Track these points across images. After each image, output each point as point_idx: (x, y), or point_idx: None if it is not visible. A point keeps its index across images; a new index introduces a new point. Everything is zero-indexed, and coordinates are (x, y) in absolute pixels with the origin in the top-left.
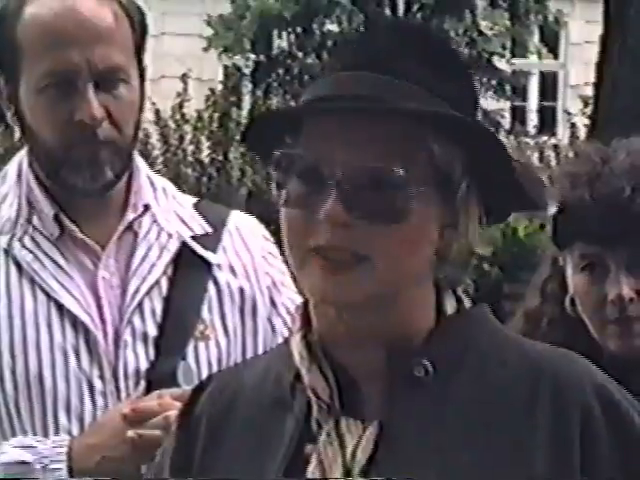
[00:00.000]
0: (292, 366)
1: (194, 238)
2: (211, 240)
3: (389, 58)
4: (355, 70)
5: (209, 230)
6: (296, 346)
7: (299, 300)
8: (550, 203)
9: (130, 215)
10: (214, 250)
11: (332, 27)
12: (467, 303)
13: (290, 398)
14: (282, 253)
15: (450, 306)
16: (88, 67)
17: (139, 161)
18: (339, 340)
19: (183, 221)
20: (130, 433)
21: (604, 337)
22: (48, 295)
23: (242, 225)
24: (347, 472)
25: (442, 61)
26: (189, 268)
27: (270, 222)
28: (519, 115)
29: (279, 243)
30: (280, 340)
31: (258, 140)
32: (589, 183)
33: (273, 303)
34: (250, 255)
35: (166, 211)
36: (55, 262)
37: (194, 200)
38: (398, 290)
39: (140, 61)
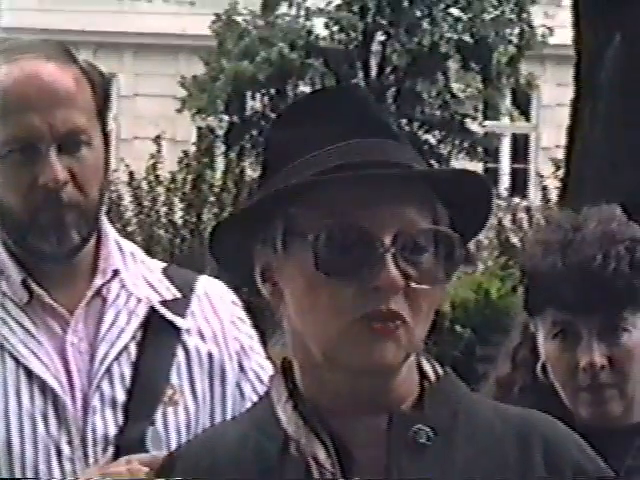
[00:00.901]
0: (275, 435)
1: (163, 303)
2: (180, 305)
3: (381, 123)
4: (359, 137)
5: (178, 295)
6: (288, 417)
7: (267, 365)
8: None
9: (99, 280)
10: (183, 315)
11: (305, 89)
12: (438, 367)
13: (279, 468)
14: (251, 316)
15: (429, 370)
16: (50, 131)
17: (107, 226)
18: (336, 408)
19: (152, 286)
20: None
21: (576, 404)
22: (17, 361)
23: (210, 290)
24: None
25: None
26: (158, 333)
27: (240, 285)
28: (491, 177)
29: (248, 308)
30: (249, 405)
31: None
32: (561, 250)
33: (242, 368)
34: (219, 320)
35: (134, 276)
36: (24, 328)
37: (162, 265)
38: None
39: (104, 124)
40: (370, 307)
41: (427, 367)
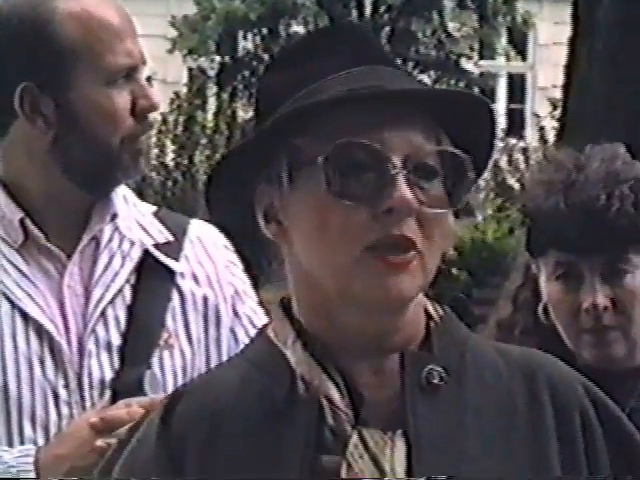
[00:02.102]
0: (282, 378)
1: (156, 246)
2: (173, 248)
3: (381, 53)
4: (363, 65)
5: (170, 238)
6: (298, 357)
7: (260, 310)
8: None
9: (97, 224)
10: (176, 258)
11: (298, 28)
12: (439, 308)
13: (287, 410)
14: (243, 261)
15: (433, 310)
16: (141, 57)
17: None
18: (346, 348)
19: (144, 229)
20: (99, 442)
21: (579, 346)
22: (12, 303)
23: (203, 234)
24: None
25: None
26: (152, 276)
27: (237, 234)
28: None
29: (239, 252)
30: None
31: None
32: (564, 191)
33: (235, 313)
34: (213, 264)
35: (127, 219)
36: (19, 270)
37: (153, 208)
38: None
39: None
40: (383, 232)
41: (430, 307)
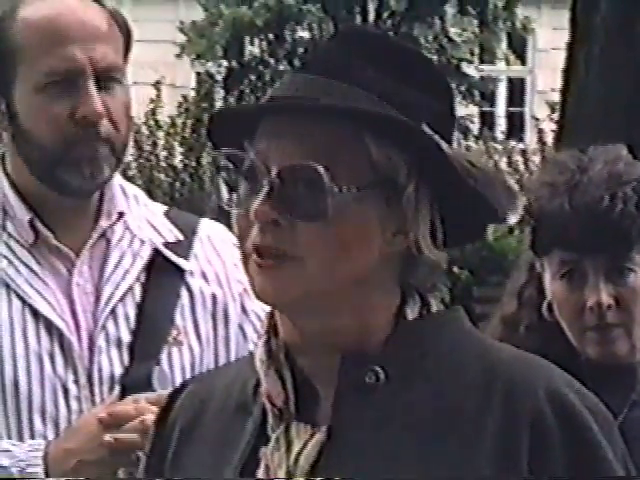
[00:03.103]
0: (256, 371)
1: (166, 245)
2: (183, 247)
3: (339, 63)
4: (304, 74)
5: (180, 237)
6: (258, 351)
7: (269, 307)
8: (518, 212)
9: (104, 222)
10: (186, 257)
11: (303, 34)
12: (434, 308)
13: (252, 403)
14: None
15: (411, 311)
16: (90, 64)
17: None
18: (298, 345)
19: (155, 228)
20: (107, 437)
21: (583, 344)
22: (23, 301)
23: (213, 233)
24: (290, 477)
25: (401, 67)
26: (162, 274)
27: None
28: (487, 120)
29: None
30: (251, 347)
31: (221, 140)
32: (568, 192)
33: (244, 310)
34: (222, 262)
35: (138, 218)
36: (30, 268)
37: (164, 208)
38: (335, 291)
39: (126, 65)
40: (253, 239)
41: (410, 307)
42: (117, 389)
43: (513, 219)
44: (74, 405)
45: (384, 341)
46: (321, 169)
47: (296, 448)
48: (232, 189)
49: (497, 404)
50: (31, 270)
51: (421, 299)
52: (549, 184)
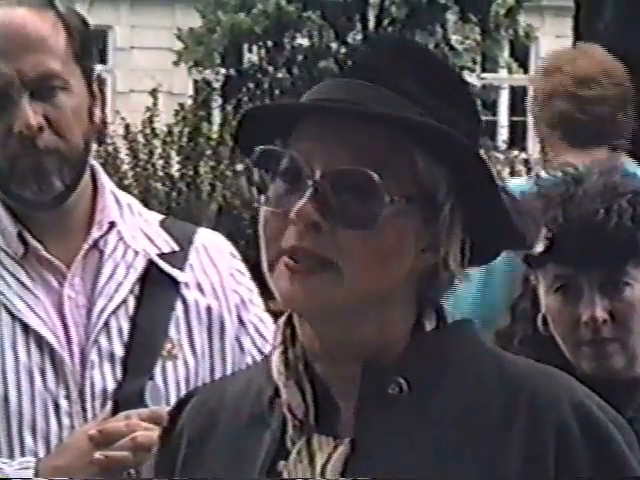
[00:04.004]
0: (272, 381)
1: (161, 256)
2: (178, 258)
3: (387, 71)
4: (354, 79)
5: (176, 248)
6: (275, 361)
7: (267, 318)
8: (538, 242)
9: (95, 233)
10: (181, 268)
11: (302, 41)
12: (449, 319)
13: (268, 414)
14: (250, 269)
15: (429, 323)
16: (19, 77)
17: (104, 178)
18: (318, 354)
19: (149, 238)
20: (97, 455)
21: (578, 358)
22: (13, 315)
23: (209, 243)
24: None
25: (441, 84)
26: (156, 286)
27: (239, 238)
28: (489, 130)
29: (247, 259)
30: (249, 359)
31: (249, 139)
32: (562, 205)
33: (241, 321)
34: (218, 273)
35: (132, 228)
36: (20, 281)
37: (160, 217)
38: (367, 303)
39: (85, 69)
40: (289, 241)
41: (427, 318)
42: (109, 405)
43: (539, 248)
44: (65, 421)
45: (403, 352)
46: (376, 176)
47: (320, 461)
48: (261, 188)
49: (521, 416)
50: (21, 283)
51: (436, 311)
52: (543, 196)
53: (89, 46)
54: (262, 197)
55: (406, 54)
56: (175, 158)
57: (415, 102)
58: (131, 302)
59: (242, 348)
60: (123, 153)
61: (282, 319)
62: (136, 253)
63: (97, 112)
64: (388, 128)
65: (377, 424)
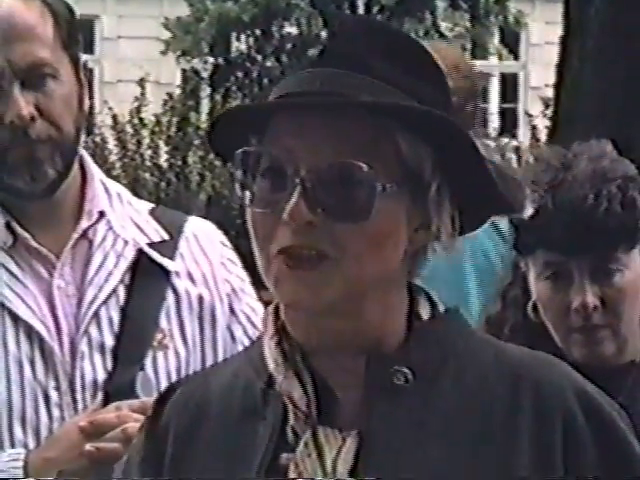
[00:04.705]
0: (263, 373)
1: (151, 245)
2: (168, 247)
3: (357, 56)
4: (322, 67)
5: (166, 237)
6: (270, 353)
7: (259, 307)
8: (526, 205)
9: (84, 223)
10: (172, 257)
11: (291, 30)
12: (441, 307)
13: (262, 405)
14: (242, 259)
15: (425, 311)
16: (9, 66)
17: (93, 167)
18: (315, 347)
19: (139, 228)
20: (88, 446)
21: (569, 345)
22: (2, 305)
23: (200, 231)
24: None
25: (413, 61)
26: (147, 276)
27: (229, 227)
28: (480, 117)
29: (238, 249)
30: (240, 349)
31: (222, 140)
32: (552, 190)
33: (232, 311)
34: (209, 262)
35: (122, 218)
36: (9, 271)
37: (150, 206)
38: (365, 292)
39: (73, 57)
40: (284, 240)
41: (423, 306)
42: (100, 396)
43: (529, 210)
44: (55, 412)
45: (403, 342)
46: (365, 167)
47: (328, 454)
48: (244, 187)
49: (526, 404)
50: (11, 273)
51: (428, 299)
52: (533, 182)
53: (76, 34)
54: (247, 196)
55: (372, 34)
56: (164, 148)
57: (389, 83)
58: (121, 292)
59: (234, 337)
60: (111, 143)
61: (269, 309)
62: (126, 242)
63: (86, 100)
64: (368, 115)
65: (385, 415)
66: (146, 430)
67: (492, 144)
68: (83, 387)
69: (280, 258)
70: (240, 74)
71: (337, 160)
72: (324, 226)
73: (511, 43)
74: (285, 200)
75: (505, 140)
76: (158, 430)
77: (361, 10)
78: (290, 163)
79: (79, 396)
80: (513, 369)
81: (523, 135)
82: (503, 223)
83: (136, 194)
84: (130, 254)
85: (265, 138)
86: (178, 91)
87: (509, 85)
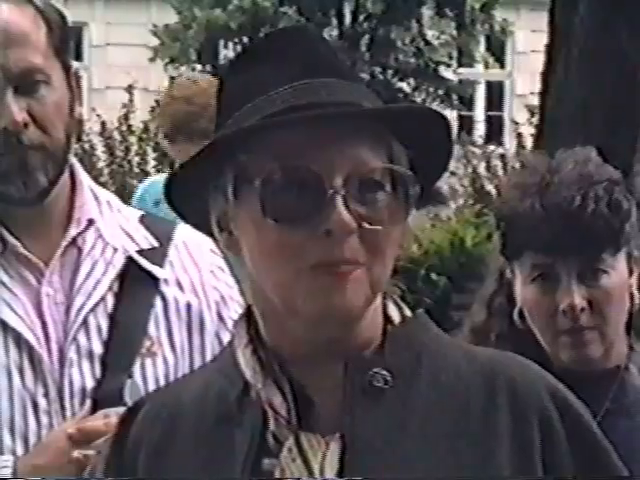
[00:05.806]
0: (237, 381)
1: (140, 252)
2: (157, 254)
3: (332, 63)
4: (309, 78)
5: (155, 244)
6: (246, 361)
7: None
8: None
9: (73, 230)
10: (161, 265)
11: None
12: (407, 311)
13: (238, 413)
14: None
15: (395, 314)
16: (3, 72)
17: (82, 174)
18: (297, 355)
19: (129, 235)
20: (76, 454)
21: (556, 348)
22: None
23: (189, 239)
24: None
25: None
26: (135, 283)
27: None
28: (466, 125)
29: (226, 256)
30: None
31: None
32: (539, 193)
33: (221, 318)
34: (197, 269)
35: (111, 225)
36: None
37: (139, 213)
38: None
39: (64, 64)
40: (324, 254)
41: (392, 311)
42: (88, 403)
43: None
44: (44, 420)
45: (379, 346)
46: (408, 172)
47: (313, 458)
48: (263, 205)
49: (503, 402)
50: None
51: (394, 303)
52: (519, 185)
53: (67, 41)
54: (267, 214)
55: (317, 41)
56: (151, 155)
57: (364, 85)
58: (110, 299)
59: (222, 344)
60: (99, 150)
61: (240, 317)
62: (115, 250)
63: (77, 107)
64: (368, 121)
65: (367, 418)
66: (112, 445)
67: (478, 152)
68: (71, 394)
69: (319, 272)
70: None
71: (381, 165)
72: (360, 234)
73: (497, 51)
74: (319, 212)
75: (491, 148)
76: (127, 444)
77: (348, 18)
78: (321, 174)
79: (67, 403)
80: (486, 369)
81: (509, 143)
82: None
83: (124, 201)
84: (119, 262)
85: (268, 152)
86: None
87: (495, 93)
